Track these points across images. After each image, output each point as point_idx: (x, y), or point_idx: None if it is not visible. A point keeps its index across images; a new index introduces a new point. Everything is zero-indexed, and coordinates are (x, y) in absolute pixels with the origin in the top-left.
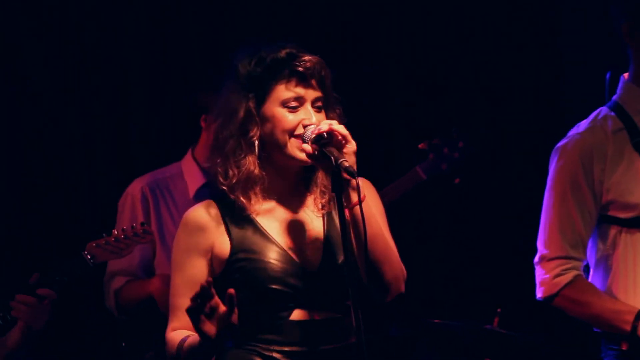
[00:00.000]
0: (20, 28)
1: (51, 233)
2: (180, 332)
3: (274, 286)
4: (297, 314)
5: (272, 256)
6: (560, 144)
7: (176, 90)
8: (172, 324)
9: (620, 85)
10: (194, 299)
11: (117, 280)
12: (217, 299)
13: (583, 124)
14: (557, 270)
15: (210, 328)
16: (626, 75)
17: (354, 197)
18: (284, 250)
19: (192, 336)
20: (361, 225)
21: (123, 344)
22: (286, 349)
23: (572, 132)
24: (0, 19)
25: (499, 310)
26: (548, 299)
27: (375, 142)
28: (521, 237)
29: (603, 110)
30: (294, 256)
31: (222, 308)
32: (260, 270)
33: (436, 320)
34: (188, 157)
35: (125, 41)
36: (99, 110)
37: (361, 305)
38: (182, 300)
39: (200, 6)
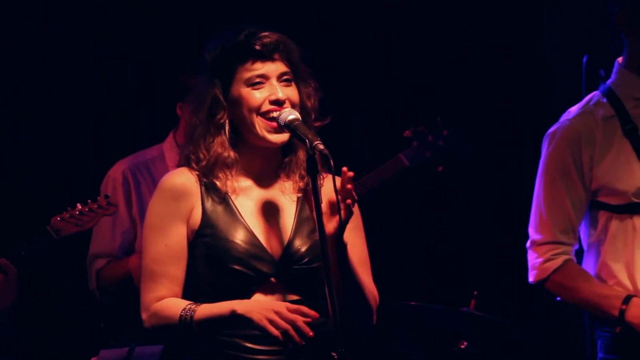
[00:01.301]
0: None
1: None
2: (174, 300)
3: (235, 267)
4: (258, 297)
5: (238, 236)
6: (550, 130)
7: (160, 71)
8: (156, 293)
9: (614, 69)
10: (302, 314)
11: (99, 262)
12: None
13: (574, 110)
14: (548, 255)
15: (277, 333)
16: (620, 59)
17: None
18: (251, 232)
19: (208, 308)
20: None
21: (102, 325)
22: (245, 332)
23: (563, 117)
24: None
25: (475, 293)
26: (539, 284)
27: (359, 128)
28: (500, 222)
29: (595, 95)
30: (260, 239)
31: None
32: (224, 249)
33: (413, 303)
34: (170, 139)
35: (111, 21)
36: (80, 90)
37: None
38: (166, 267)
39: None
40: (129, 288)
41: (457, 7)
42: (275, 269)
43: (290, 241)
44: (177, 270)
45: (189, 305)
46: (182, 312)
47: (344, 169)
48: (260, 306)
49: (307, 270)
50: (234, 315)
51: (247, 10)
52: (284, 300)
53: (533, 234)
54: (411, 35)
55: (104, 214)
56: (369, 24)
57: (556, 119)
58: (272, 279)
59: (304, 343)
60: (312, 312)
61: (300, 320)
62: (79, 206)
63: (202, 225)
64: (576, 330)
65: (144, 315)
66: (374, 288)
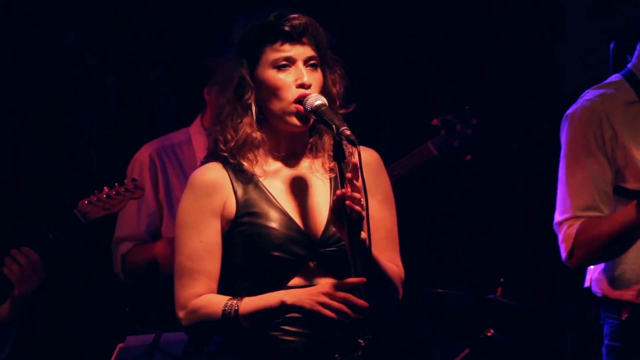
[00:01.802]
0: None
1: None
2: (214, 296)
3: (275, 253)
4: (297, 281)
5: (275, 221)
6: (569, 110)
7: (186, 55)
8: (194, 290)
9: (636, 53)
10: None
11: (124, 245)
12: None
13: (592, 91)
14: (566, 226)
15: (328, 314)
16: None
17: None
18: (288, 216)
19: (254, 301)
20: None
21: (127, 309)
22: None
23: (582, 98)
24: None
25: (501, 280)
26: (569, 256)
27: (387, 116)
28: (525, 209)
29: (615, 77)
30: (297, 222)
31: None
32: (262, 236)
33: (439, 290)
34: (197, 123)
35: (137, 6)
36: (108, 74)
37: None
38: (202, 264)
39: None
40: (154, 273)
41: None
42: (314, 252)
43: (328, 223)
44: (213, 266)
45: (231, 300)
46: (224, 307)
47: (347, 179)
48: (308, 293)
49: (342, 251)
50: (283, 306)
51: None
52: (319, 283)
53: (557, 215)
54: (438, 23)
55: (131, 197)
56: (396, 10)
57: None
58: (312, 264)
59: (361, 317)
60: (356, 281)
61: (350, 296)
62: (106, 189)
63: (238, 214)
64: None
65: (180, 314)
66: (399, 263)
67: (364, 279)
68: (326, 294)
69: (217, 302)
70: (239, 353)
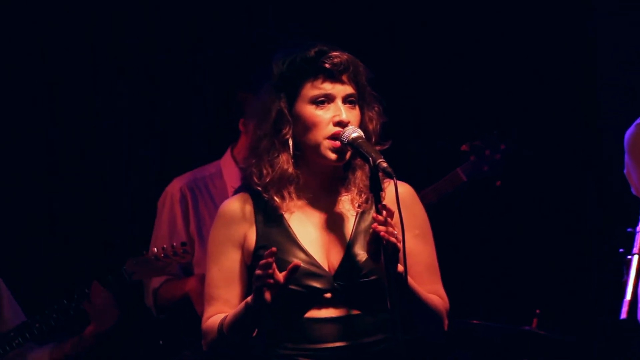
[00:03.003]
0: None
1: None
2: (216, 316)
3: (291, 287)
4: (314, 313)
5: (292, 255)
6: (629, 132)
7: (217, 88)
8: (207, 314)
9: None
10: (261, 267)
11: (156, 279)
12: (276, 270)
13: None
14: None
15: (267, 295)
16: None
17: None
18: (304, 250)
19: (233, 311)
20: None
21: (160, 342)
22: (301, 345)
23: (637, 121)
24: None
25: (537, 311)
26: None
27: (417, 143)
28: (561, 238)
29: None
30: (314, 255)
31: (280, 278)
32: (279, 269)
33: (474, 321)
34: (227, 156)
35: (167, 38)
36: (138, 109)
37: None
38: (219, 291)
39: (246, 4)
40: (186, 307)
41: (511, 18)
42: (330, 285)
43: (346, 256)
44: (229, 294)
45: (223, 317)
46: (219, 325)
47: (380, 206)
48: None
49: (365, 283)
50: (248, 307)
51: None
52: (343, 316)
53: None
54: (465, 48)
55: (179, 261)
56: (423, 34)
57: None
58: (328, 295)
59: (272, 282)
60: (268, 251)
61: (262, 263)
62: (154, 250)
63: (257, 247)
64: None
65: (202, 341)
66: (443, 294)
67: (273, 250)
68: (254, 279)
69: (215, 322)
70: None
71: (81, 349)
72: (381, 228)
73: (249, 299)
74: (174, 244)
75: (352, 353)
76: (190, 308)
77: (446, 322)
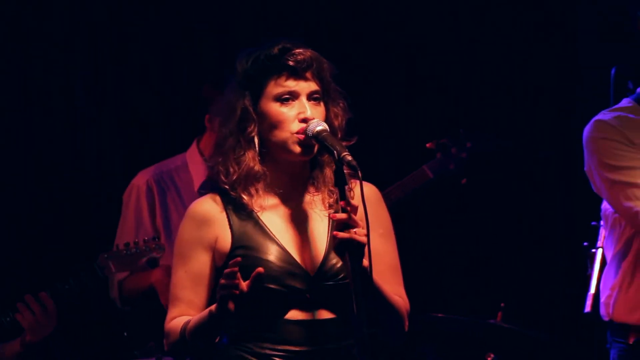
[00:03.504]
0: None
1: (61, 226)
2: (180, 318)
3: (271, 285)
4: (293, 314)
5: (272, 254)
6: (586, 130)
7: (183, 82)
8: (171, 314)
9: None
10: (226, 276)
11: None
12: (240, 279)
13: (605, 113)
14: None
15: (231, 305)
16: None
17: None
18: (284, 249)
19: (196, 316)
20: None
21: (125, 334)
22: (280, 347)
23: (594, 119)
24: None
25: (502, 305)
26: None
27: (383, 140)
28: (524, 234)
29: (626, 102)
30: (294, 256)
31: (244, 287)
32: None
33: (440, 315)
34: (193, 148)
35: (138, 32)
36: (102, 102)
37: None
38: (184, 292)
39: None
40: (151, 299)
41: (484, 9)
42: (311, 286)
43: (326, 257)
44: (195, 296)
45: (187, 320)
46: (181, 325)
47: (342, 203)
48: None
49: (341, 286)
50: (212, 315)
51: (271, 23)
52: (317, 319)
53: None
54: (434, 44)
55: (151, 255)
56: (389, 32)
57: (585, 122)
58: (307, 295)
59: (237, 292)
60: (233, 261)
61: (229, 280)
62: (126, 245)
63: (233, 247)
64: (602, 344)
65: (164, 341)
66: (404, 295)
67: (239, 259)
68: (218, 288)
69: (178, 324)
70: None
71: (8, 356)
72: (343, 235)
73: (212, 307)
74: (145, 238)
75: (325, 357)
76: (154, 300)
77: (407, 323)
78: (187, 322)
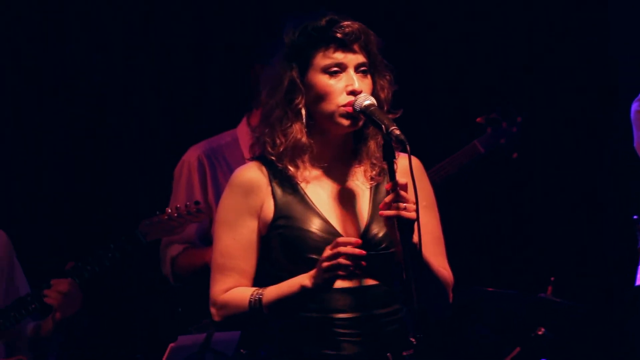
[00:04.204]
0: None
1: (108, 206)
2: (240, 289)
3: (312, 256)
4: (335, 284)
5: (313, 225)
6: (634, 105)
7: (232, 60)
8: (224, 285)
9: None
10: (331, 257)
11: (174, 247)
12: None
13: None
14: None
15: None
16: None
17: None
18: (326, 221)
19: (274, 288)
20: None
21: (179, 310)
22: (327, 315)
23: None
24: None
25: (552, 279)
26: None
27: (433, 115)
28: (574, 207)
29: None
30: (336, 226)
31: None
32: (300, 238)
33: (489, 289)
34: (243, 124)
35: (187, 10)
36: (151, 80)
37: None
38: (236, 261)
39: None
40: (203, 276)
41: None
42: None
43: (367, 227)
44: (246, 264)
45: (256, 291)
46: (250, 298)
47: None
48: (316, 268)
49: (383, 255)
50: (305, 290)
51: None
52: (362, 286)
53: None
54: (485, 23)
55: (193, 220)
56: (438, 7)
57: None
58: (351, 267)
59: (364, 264)
60: (350, 240)
61: (339, 250)
62: (168, 211)
63: (276, 217)
64: None
65: (212, 310)
66: (447, 267)
67: (360, 241)
68: (324, 259)
69: (243, 294)
70: (290, 358)
71: (43, 334)
72: (390, 213)
73: (303, 280)
74: (187, 203)
75: (369, 323)
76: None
77: (451, 295)
78: (259, 294)
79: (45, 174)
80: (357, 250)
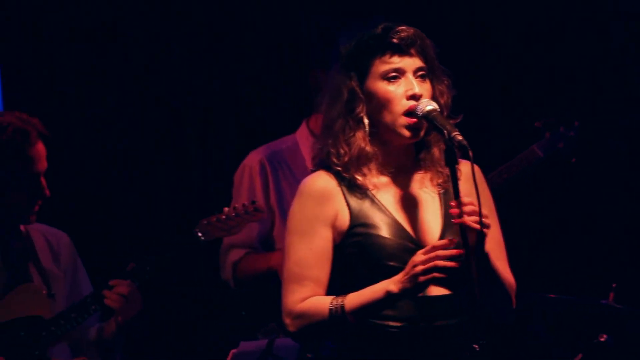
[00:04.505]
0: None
1: (168, 208)
2: (318, 298)
3: (390, 263)
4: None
5: (390, 232)
6: None
7: (290, 66)
8: (300, 294)
9: None
10: (426, 261)
11: (235, 252)
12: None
13: None
14: None
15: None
16: None
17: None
18: (402, 227)
19: (355, 295)
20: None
21: (243, 313)
22: (399, 324)
23: None
24: None
25: (614, 285)
26: None
27: (491, 120)
28: (637, 212)
29: None
30: (411, 233)
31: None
32: (377, 246)
33: (552, 295)
34: (303, 128)
35: (241, 17)
36: (212, 87)
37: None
38: (311, 271)
39: None
40: (266, 281)
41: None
42: None
43: (442, 234)
44: (321, 273)
45: (335, 299)
46: (330, 306)
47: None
48: (404, 273)
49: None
50: (390, 296)
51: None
52: (425, 295)
53: None
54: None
55: (250, 219)
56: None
57: None
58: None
59: (457, 265)
60: (442, 242)
61: (437, 244)
62: (226, 210)
63: (352, 225)
64: None
65: (287, 320)
66: (510, 274)
67: (447, 241)
68: (418, 263)
69: (322, 303)
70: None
71: (107, 336)
72: (469, 221)
73: (388, 285)
74: (245, 203)
75: (436, 330)
76: (273, 281)
77: (514, 301)
78: (340, 302)
79: (106, 176)
80: (456, 251)
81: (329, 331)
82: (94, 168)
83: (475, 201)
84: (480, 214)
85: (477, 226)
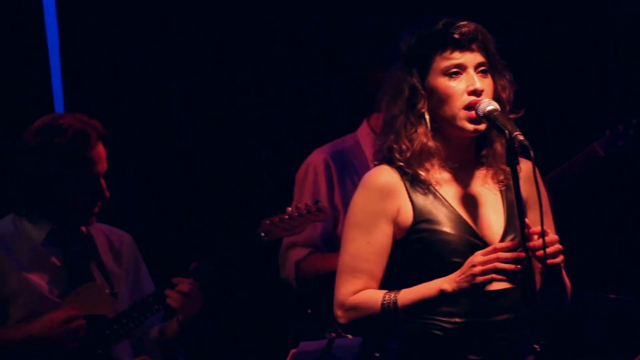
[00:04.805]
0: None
1: (230, 208)
2: (370, 292)
3: (455, 259)
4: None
5: (455, 228)
6: None
7: (348, 66)
8: (353, 287)
9: None
10: (485, 262)
11: (298, 251)
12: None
13: None
14: None
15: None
16: None
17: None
18: (466, 223)
19: (410, 291)
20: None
21: (309, 311)
22: (462, 320)
23: None
24: None
25: None
26: None
27: (550, 119)
28: None
29: None
30: (476, 229)
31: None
32: (442, 242)
33: (612, 296)
34: (364, 127)
35: (301, 18)
36: (272, 87)
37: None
38: (368, 264)
39: None
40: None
41: None
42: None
43: (506, 232)
44: (377, 268)
45: (388, 294)
46: (383, 301)
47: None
48: (461, 272)
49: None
50: (444, 294)
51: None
52: (494, 290)
53: None
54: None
55: (314, 219)
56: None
57: None
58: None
59: (520, 267)
60: (504, 244)
61: (497, 246)
62: (289, 210)
63: (416, 221)
64: None
65: (338, 312)
66: (565, 275)
67: (510, 243)
68: (477, 263)
69: (375, 297)
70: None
71: (169, 335)
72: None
73: (442, 283)
74: (308, 202)
75: (497, 329)
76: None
77: (569, 298)
78: (393, 297)
79: (169, 176)
80: (518, 254)
81: (379, 325)
82: (156, 168)
83: (536, 204)
84: (541, 214)
85: (558, 259)
